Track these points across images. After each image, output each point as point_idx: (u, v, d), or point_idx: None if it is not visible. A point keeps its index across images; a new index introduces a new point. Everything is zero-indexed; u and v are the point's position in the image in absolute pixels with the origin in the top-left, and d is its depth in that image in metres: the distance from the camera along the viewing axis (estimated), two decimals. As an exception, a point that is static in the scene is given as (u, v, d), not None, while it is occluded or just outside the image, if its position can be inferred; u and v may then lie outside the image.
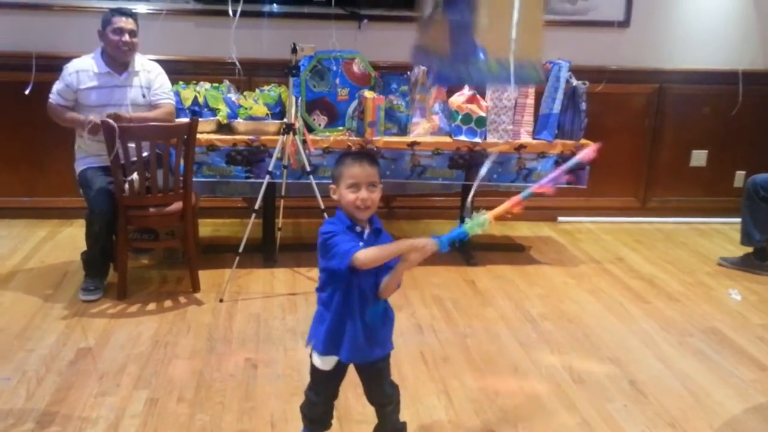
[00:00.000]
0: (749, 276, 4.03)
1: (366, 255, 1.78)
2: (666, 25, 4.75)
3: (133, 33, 3.44)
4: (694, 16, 4.77)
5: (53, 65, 3.66)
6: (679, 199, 5.10)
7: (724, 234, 4.81)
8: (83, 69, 3.44)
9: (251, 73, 4.15)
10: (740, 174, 5.07)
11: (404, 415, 2.21)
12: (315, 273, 3.79)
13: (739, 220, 4.23)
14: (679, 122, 4.94)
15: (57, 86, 3.44)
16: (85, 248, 3.49)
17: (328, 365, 1.98)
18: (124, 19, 3.42)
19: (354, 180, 1.86)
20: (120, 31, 3.40)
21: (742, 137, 5.02)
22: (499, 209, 1.88)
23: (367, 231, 1.91)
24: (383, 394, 2.09)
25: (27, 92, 3.94)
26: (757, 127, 5.01)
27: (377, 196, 1.89)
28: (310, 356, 2.02)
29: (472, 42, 1.60)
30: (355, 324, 1.90)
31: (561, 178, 1.88)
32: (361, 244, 1.84)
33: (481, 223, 1.85)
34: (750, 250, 4.12)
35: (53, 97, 3.44)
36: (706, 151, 5.04)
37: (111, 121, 3.15)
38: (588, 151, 1.89)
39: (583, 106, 3.91)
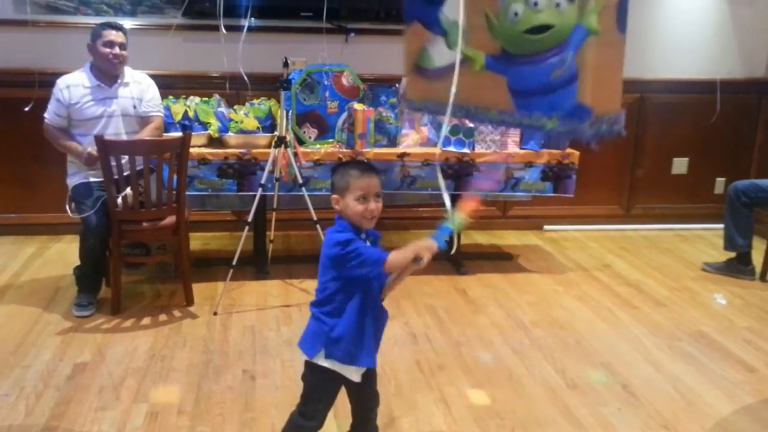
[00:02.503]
0: (733, 280, 4.12)
1: (395, 258, 1.84)
2: (646, 36, 4.85)
3: (122, 46, 3.46)
4: (674, 28, 4.88)
5: (43, 81, 3.67)
6: (662, 206, 5.19)
7: (707, 240, 4.90)
8: (74, 84, 3.46)
9: (241, 87, 4.17)
10: (720, 181, 5.18)
11: (403, 424, 2.24)
12: (308, 284, 3.81)
13: (720, 225, 4.32)
14: (660, 131, 5.04)
15: (51, 105, 3.44)
16: (77, 264, 3.49)
17: (357, 375, 1.99)
18: (113, 32, 3.44)
19: (363, 192, 1.89)
20: (110, 43, 3.42)
21: (722, 145, 5.13)
22: (466, 208, 1.94)
23: (363, 236, 1.95)
24: (376, 395, 2.12)
25: (27, 109, 3.93)
26: (735, 135, 5.12)
27: (381, 206, 1.93)
28: (309, 375, 2.01)
29: (573, 101, 1.48)
30: (371, 328, 1.94)
31: (496, 179, 1.94)
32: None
33: (460, 221, 1.91)
34: (733, 255, 4.21)
35: (49, 117, 3.44)
36: (687, 159, 5.14)
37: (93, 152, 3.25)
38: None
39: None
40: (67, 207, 3.48)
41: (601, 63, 1.39)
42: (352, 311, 1.91)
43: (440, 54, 1.58)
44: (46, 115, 3.45)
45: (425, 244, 1.85)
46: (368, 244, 1.93)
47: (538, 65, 1.44)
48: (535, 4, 1.41)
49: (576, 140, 1.56)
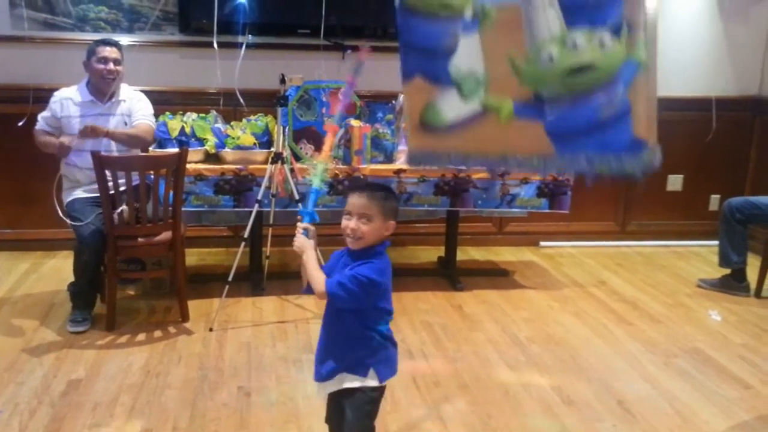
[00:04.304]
0: (728, 297, 4.12)
1: (310, 279, 1.89)
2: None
3: (117, 62, 3.49)
4: (668, 46, 4.91)
5: (38, 97, 3.68)
6: (657, 222, 5.21)
7: (702, 256, 4.92)
8: (67, 97, 3.49)
9: (237, 103, 4.19)
10: (715, 198, 5.20)
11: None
12: (303, 301, 3.81)
13: (715, 242, 4.34)
14: (655, 148, 5.06)
15: (42, 114, 3.51)
16: (71, 279, 3.48)
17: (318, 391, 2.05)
18: (108, 48, 3.47)
19: (348, 209, 1.90)
20: (105, 60, 3.45)
21: (716, 162, 5.15)
22: (325, 148, 1.94)
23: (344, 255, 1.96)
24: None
25: (20, 124, 3.93)
26: (730, 152, 5.16)
27: (368, 229, 1.88)
28: (374, 398, 1.99)
29: (629, 135, 1.45)
30: (321, 339, 2.03)
31: (351, 86, 1.86)
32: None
33: (322, 171, 1.88)
34: (728, 271, 4.22)
35: (39, 126, 3.51)
36: (682, 176, 5.17)
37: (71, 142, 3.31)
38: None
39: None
40: (67, 220, 3.48)
41: (649, 94, 1.38)
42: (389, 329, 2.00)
43: (452, 107, 1.49)
44: (36, 124, 3.50)
45: (295, 245, 1.91)
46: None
47: (583, 105, 1.40)
48: (575, 45, 1.37)
49: (626, 176, 1.47)
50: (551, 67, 1.40)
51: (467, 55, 1.45)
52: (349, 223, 1.88)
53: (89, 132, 3.28)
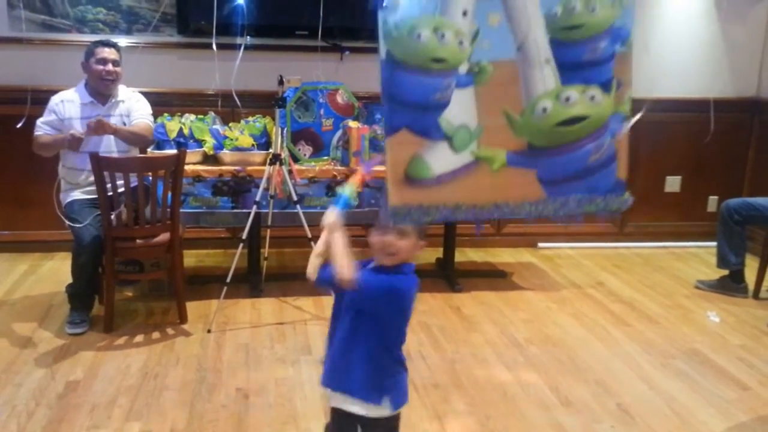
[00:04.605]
0: (726, 298, 4.13)
1: (336, 263, 1.74)
2: (638, 55, 4.88)
3: (116, 63, 3.49)
4: (666, 47, 4.93)
5: (36, 98, 3.67)
6: (655, 224, 5.21)
7: (700, 257, 4.92)
8: (68, 99, 3.49)
9: (236, 104, 4.19)
10: (713, 199, 5.20)
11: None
12: (302, 302, 3.81)
13: (713, 243, 4.34)
14: (653, 149, 5.07)
15: (43, 119, 3.46)
16: (69, 281, 3.47)
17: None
18: (107, 49, 3.47)
19: (382, 223, 1.79)
20: (103, 61, 3.45)
21: (714, 163, 5.16)
22: (356, 182, 1.83)
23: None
24: None
25: (19, 126, 3.93)
26: (727, 154, 5.16)
27: (404, 245, 1.75)
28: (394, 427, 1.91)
29: (614, 179, 1.58)
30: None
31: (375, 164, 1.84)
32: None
33: (351, 194, 1.79)
34: (726, 272, 4.23)
35: (40, 130, 3.44)
36: (680, 177, 5.18)
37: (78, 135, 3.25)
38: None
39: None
40: (65, 221, 3.47)
41: (627, 140, 1.48)
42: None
43: (442, 160, 1.46)
44: (37, 127, 3.44)
45: (326, 219, 1.77)
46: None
47: (574, 153, 1.50)
48: (568, 99, 1.45)
49: (609, 213, 1.63)
50: (545, 119, 1.47)
51: (460, 109, 1.45)
52: (384, 238, 1.75)
53: (98, 127, 3.26)
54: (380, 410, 1.83)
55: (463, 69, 1.43)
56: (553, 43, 1.44)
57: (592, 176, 1.54)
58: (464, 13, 1.40)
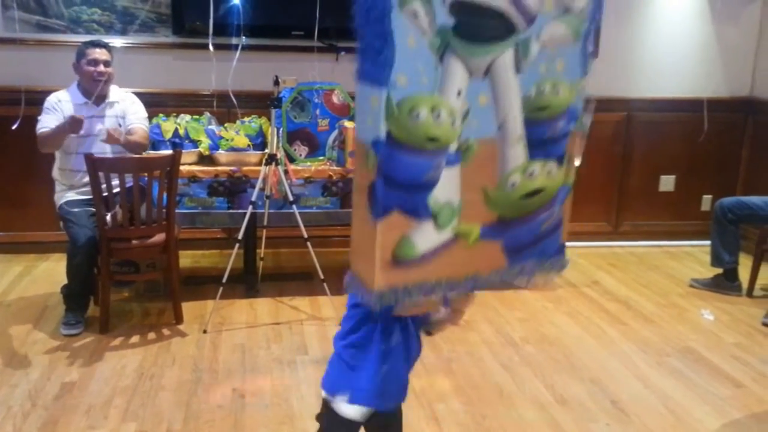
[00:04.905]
0: (720, 296, 4.15)
1: None
2: (633, 55, 4.92)
3: (107, 63, 3.48)
4: (660, 47, 4.95)
5: (30, 99, 3.66)
6: (650, 223, 5.23)
7: (694, 256, 4.94)
8: (64, 99, 3.48)
9: (231, 105, 4.19)
10: (707, 198, 5.22)
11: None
12: (298, 302, 3.82)
13: (707, 242, 4.36)
14: (648, 149, 5.09)
15: (44, 118, 3.42)
16: (64, 282, 3.47)
17: None
18: (97, 50, 3.46)
19: None
20: (94, 62, 3.44)
21: (708, 162, 5.18)
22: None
23: None
24: None
25: (14, 128, 3.92)
26: (721, 153, 5.18)
27: None
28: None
29: (559, 242, 1.69)
30: None
31: None
32: None
33: None
34: (720, 271, 4.25)
35: (43, 128, 3.39)
36: (674, 177, 5.19)
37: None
38: None
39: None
40: (60, 222, 3.46)
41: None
42: None
43: (426, 239, 1.48)
44: (39, 127, 3.40)
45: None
46: None
47: (531, 222, 1.62)
48: (531, 174, 1.58)
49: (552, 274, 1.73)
50: (513, 192, 1.57)
51: (447, 187, 1.49)
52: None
53: (110, 139, 3.27)
54: None
55: (453, 147, 1.47)
56: (525, 122, 1.55)
57: (542, 242, 1.67)
58: (458, 93, 1.45)
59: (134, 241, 3.37)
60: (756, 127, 5.12)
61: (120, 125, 3.55)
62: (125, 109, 3.59)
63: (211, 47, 4.06)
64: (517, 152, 1.58)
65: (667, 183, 5.20)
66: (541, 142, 1.60)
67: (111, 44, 3.66)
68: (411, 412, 2.71)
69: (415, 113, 1.41)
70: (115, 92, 3.58)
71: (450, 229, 1.53)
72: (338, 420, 1.75)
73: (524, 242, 1.64)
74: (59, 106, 3.45)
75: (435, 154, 1.46)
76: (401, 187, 1.46)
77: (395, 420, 1.90)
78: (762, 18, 5.03)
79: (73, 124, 3.26)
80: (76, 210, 3.41)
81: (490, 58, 1.46)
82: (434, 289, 1.58)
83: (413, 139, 1.43)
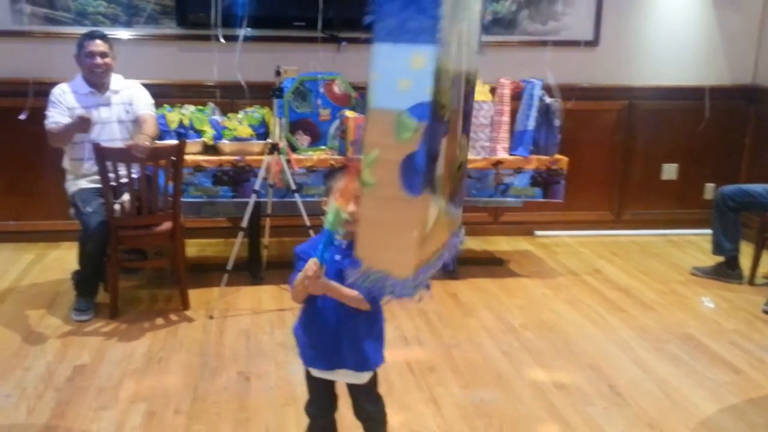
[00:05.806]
0: (721, 284, 4.17)
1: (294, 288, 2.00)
2: (634, 43, 4.93)
3: (104, 54, 3.54)
4: (661, 35, 4.96)
5: (38, 90, 3.72)
6: (652, 211, 5.25)
7: (696, 244, 4.96)
8: (69, 91, 3.55)
9: (235, 95, 4.25)
10: (709, 186, 5.23)
11: (394, 423, 2.30)
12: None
13: (709, 231, 4.38)
14: (649, 137, 5.11)
15: (51, 112, 3.49)
16: (75, 269, 3.55)
17: (320, 375, 2.14)
18: (94, 42, 3.53)
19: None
20: (91, 54, 3.51)
21: (710, 151, 5.18)
22: (344, 191, 1.74)
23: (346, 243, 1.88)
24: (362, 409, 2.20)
25: (23, 118, 3.99)
26: (724, 141, 5.19)
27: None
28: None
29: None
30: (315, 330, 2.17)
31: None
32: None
33: (335, 216, 1.72)
34: (721, 259, 4.27)
35: (51, 123, 3.47)
36: (677, 165, 5.21)
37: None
38: None
39: (557, 122, 4.05)
40: (70, 212, 3.53)
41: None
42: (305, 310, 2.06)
43: (431, 213, 1.44)
44: (47, 122, 3.48)
45: (304, 272, 1.86)
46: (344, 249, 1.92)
47: (458, 197, 1.79)
48: (462, 146, 1.71)
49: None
50: (454, 164, 1.59)
51: (441, 159, 1.43)
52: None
53: (137, 151, 3.27)
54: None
55: (447, 116, 1.40)
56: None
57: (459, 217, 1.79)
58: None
59: (142, 230, 3.43)
60: (759, 115, 5.12)
61: (128, 111, 3.61)
62: (131, 96, 3.65)
63: (221, 37, 4.09)
64: (460, 124, 1.54)
65: (669, 171, 5.22)
66: (467, 114, 1.59)
67: (114, 36, 3.71)
68: (410, 396, 2.78)
69: (445, 76, 1.31)
70: (116, 81, 3.65)
71: (437, 203, 1.49)
72: (307, 379, 2.13)
73: (455, 217, 1.66)
74: (63, 98, 3.52)
75: (443, 122, 1.38)
76: (432, 158, 1.36)
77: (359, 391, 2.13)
78: (765, 4, 5.03)
79: (82, 124, 3.34)
80: (87, 198, 3.48)
81: (465, 25, 1.43)
82: (437, 261, 1.59)
83: (440, 104, 1.31)
